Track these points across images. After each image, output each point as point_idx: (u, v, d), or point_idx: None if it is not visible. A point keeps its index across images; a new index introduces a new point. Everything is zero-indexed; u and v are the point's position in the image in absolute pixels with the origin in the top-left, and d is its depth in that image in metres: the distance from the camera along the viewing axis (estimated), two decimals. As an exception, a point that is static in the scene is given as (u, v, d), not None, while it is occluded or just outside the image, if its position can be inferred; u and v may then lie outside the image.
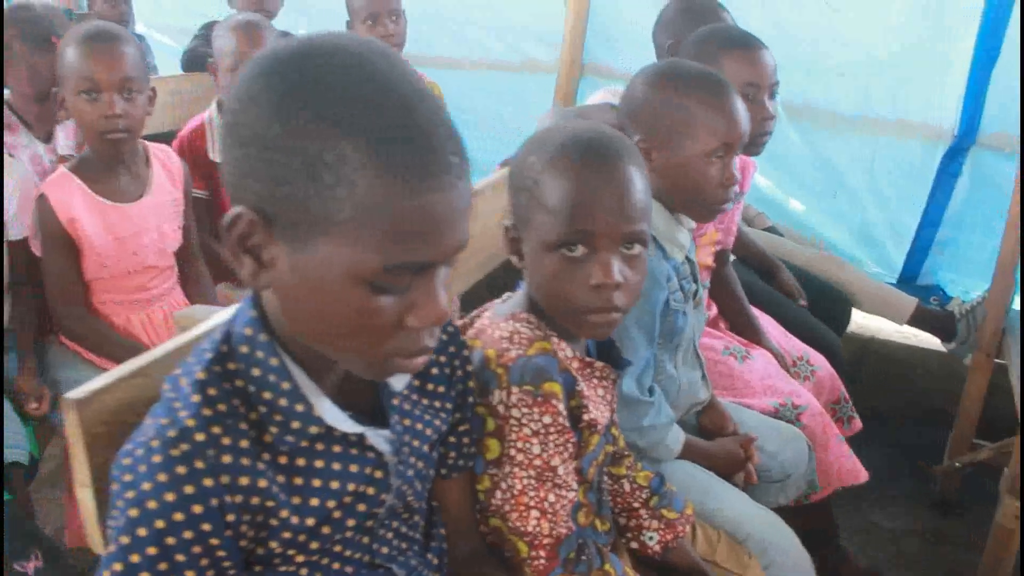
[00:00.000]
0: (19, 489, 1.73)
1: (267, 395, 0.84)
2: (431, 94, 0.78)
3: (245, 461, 0.81)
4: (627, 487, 1.38)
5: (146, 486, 0.78)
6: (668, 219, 1.59)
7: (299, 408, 0.84)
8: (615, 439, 1.34)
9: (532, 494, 1.13)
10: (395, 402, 0.94)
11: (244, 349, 0.84)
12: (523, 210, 1.19)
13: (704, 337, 1.96)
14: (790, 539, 1.57)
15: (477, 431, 1.12)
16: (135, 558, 0.77)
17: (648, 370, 1.58)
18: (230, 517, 0.80)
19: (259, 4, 2.91)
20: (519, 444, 1.13)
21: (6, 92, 2.26)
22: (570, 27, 3.28)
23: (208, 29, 3.04)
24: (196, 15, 3.49)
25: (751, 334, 2.11)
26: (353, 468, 0.88)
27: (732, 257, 2.25)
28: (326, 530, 0.88)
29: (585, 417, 1.18)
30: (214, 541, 0.79)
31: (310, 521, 0.86)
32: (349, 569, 0.93)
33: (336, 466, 0.87)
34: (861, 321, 3.05)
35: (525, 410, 1.12)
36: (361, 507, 0.90)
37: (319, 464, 0.86)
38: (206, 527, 0.78)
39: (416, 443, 0.96)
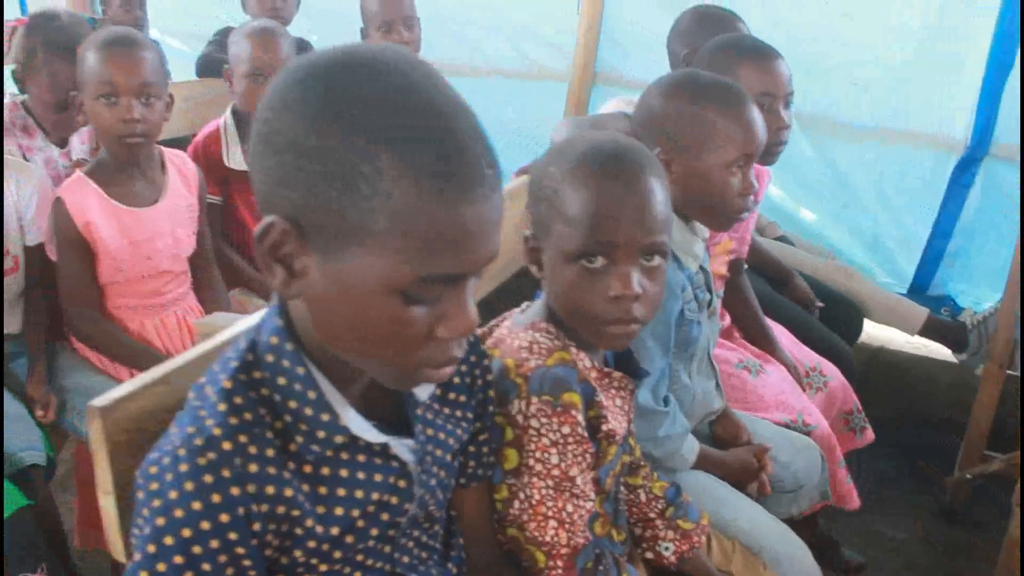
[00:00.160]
0: (40, 490, 1.72)
1: (293, 404, 0.84)
2: (467, 106, 0.79)
3: (271, 470, 0.81)
4: (643, 497, 1.38)
5: (173, 495, 0.78)
6: (683, 229, 1.60)
7: (325, 417, 0.84)
8: (632, 449, 1.35)
9: (550, 504, 1.13)
10: (419, 411, 0.95)
11: (270, 358, 0.85)
12: (543, 220, 1.19)
13: (718, 349, 1.96)
14: (803, 552, 1.57)
15: (496, 441, 1.12)
16: (161, 567, 0.78)
17: (663, 380, 1.58)
18: (256, 526, 0.80)
19: (274, 11, 2.92)
20: (538, 454, 1.13)
21: (25, 96, 2.27)
22: (583, 35, 3.29)
23: (223, 35, 3.06)
24: (210, 20, 3.50)
25: (764, 344, 2.11)
26: (377, 477, 0.89)
27: (745, 266, 2.26)
28: (349, 539, 0.88)
29: (603, 427, 1.18)
30: (240, 550, 0.79)
31: (334, 530, 0.86)
32: None
33: (360, 475, 0.88)
34: (871, 331, 3.04)
35: (544, 420, 1.12)
36: (384, 516, 0.90)
37: (344, 473, 0.87)
38: (233, 536, 0.79)
39: (439, 452, 0.96)
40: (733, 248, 2.06)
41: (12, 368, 1.98)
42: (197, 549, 0.77)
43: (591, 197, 1.14)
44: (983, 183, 2.97)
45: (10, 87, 2.33)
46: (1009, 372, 2.57)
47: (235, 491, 0.79)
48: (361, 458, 0.88)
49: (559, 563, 1.13)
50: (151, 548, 0.78)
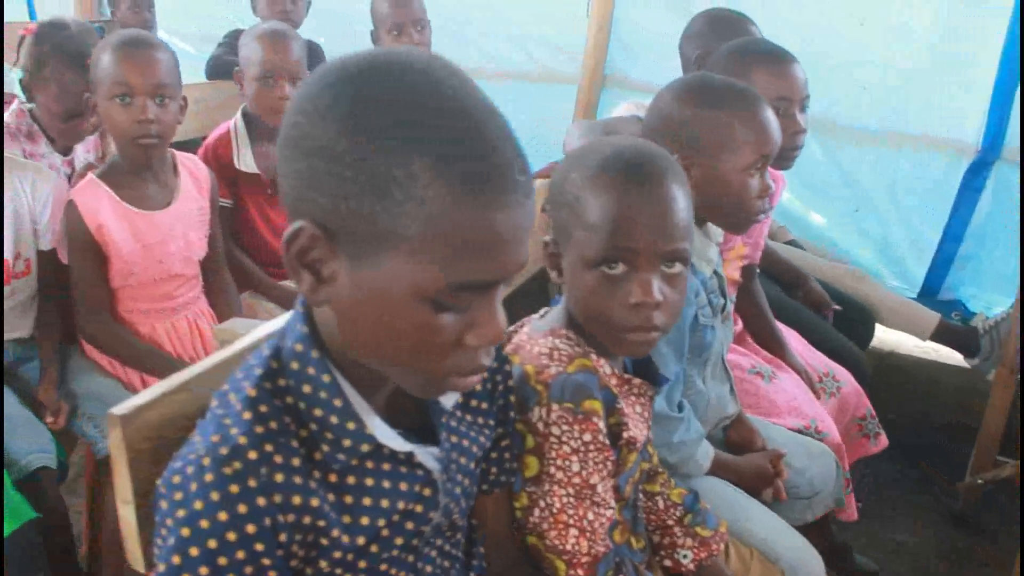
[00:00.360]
0: (50, 493, 1.72)
1: (318, 412, 0.83)
2: (499, 111, 0.78)
3: (297, 480, 0.80)
4: (661, 504, 1.37)
5: (198, 505, 0.77)
6: (697, 234, 1.59)
7: (350, 426, 0.84)
8: (650, 456, 1.34)
9: (571, 512, 1.12)
10: (444, 419, 0.94)
11: (295, 365, 0.84)
12: (563, 225, 1.18)
13: (730, 354, 1.95)
14: (818, 562, 1.57)
15: (516, 448, 1.11)
16: None
17: (677, 386, 1.57)
18: (282, 537, 0.79)
19: (284, 13, 2.92)
20: (558, 462, 1.12)
21: (32, 105, 2.26)
22: (592, 37, 3.29)
23: (233, 37, 3.05)
24: (219, 22, 3.50)
25: (776, 349, 2.10)
26: (403, 486, 0.88)
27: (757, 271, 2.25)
28: (374, 549, 0.87)
29: (624, 435, 1.18)
30: (266, 561, 0.78)
31: (360, 540, 0.85)
32: None
33: (386, 484, 0.87)
34: (880, 335, 3.03)
35: (565, 428, 1.12)
36: (409, 525, 0.89)
37: (369, 482, 0.86)
38: (259, 547, 0.77)
39: (463, 460, 0.95)
40: (746, 253, 2.05)
41: (21, 372, 1.97)
42: (223, 560, 0.76)
43: (612, 203, 1.13)
44: (994, 187, 2.95)
45: (16, 90, 2.32)
46: (1021, 376, 2.56)
47: (261, 501, 0.78)
48: (386, 467, 0.87)
49: (580, 572, 1.13)
50: (176, 559, 0.77)
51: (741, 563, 1.46)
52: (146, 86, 1.86)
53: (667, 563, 1.36)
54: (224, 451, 0.79)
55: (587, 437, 1.12)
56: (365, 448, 0.85)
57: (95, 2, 3.78)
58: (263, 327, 1.08)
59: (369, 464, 0.86)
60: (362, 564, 0.87)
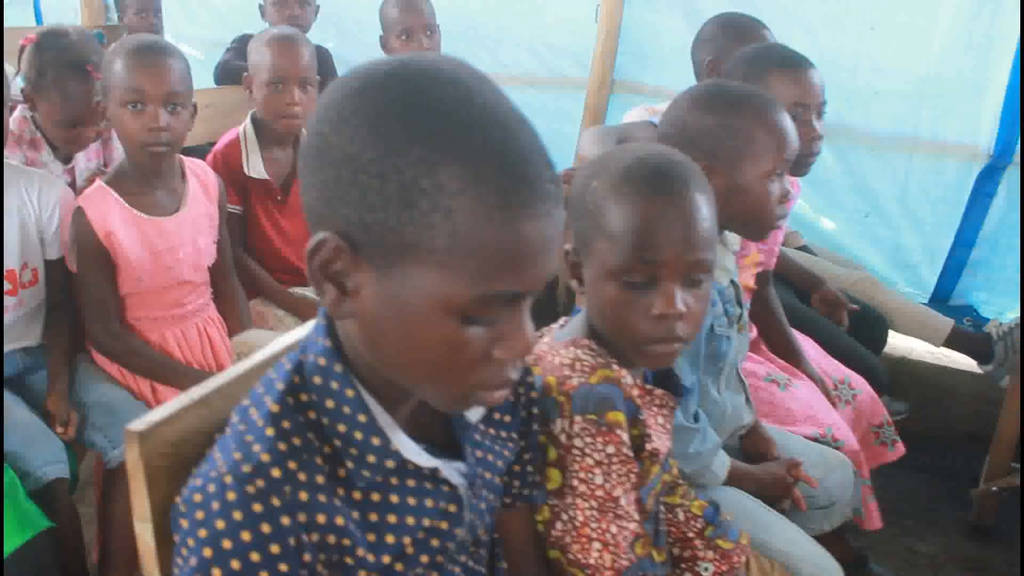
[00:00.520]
0: (64, 503, 1.70)
1: (342, 428, 0.81)
2: (528, 120, 0.76)
3: (322, 498, 0.78)
4: (681, 516, 1.35)
5: (220, 524, 0.75)
6: (715, 242, 1.57)
7: (375, 441, 0.82)
8: (670, 468, 1.32)
9: (594, 525, 1.11)
10: (476, 438, 0.92)
11: (318, 380, 0.82)
12: (584, 235, 1.16)
13: (746, 363, 1.94)
14: (837, 572, 1.55)
15: (538, 460, 1.10)
16: None
17: (693, 396, 1.55)
18: (307, 557, 0.77)
19: (292, 18, 2.91)
20: (581, 474, 1.10)
21: (35, 113, 2.24)
22: (601, 43, 3.28)
23: (241, 41, 3.04)
24: (226, 27, 3.49)
25: (791, 357, 2.08)
26: (428, 503, 0.86)
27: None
28: (399, 567, 0.85)
29: (647, 447, 1.16)
30: None
31: (385, 559, 0.83)
32: None
33: (411, 501, 0.85)
34: (891, 341, 3.00)
35: (588, 440, 1.10)
36: (434, 542, 0.87)
37: (394, 499, 0.84)
38: (283, 567, 0.75)
39: (488, 475, 0.94)
40: (761, 260, 2.03)
41: (31, 381, 1.95)
42: None
43: (635, 214, 1.11)
44: (1007, 192, 2.93)
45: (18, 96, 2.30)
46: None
47: (286, 520, 0.76)
48: (411, 483, 0.85)
49: (603, 586, 1.11)
50: None
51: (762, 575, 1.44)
52: (159, 94, 1.85)
53: (688, 576, 1.34)
54: (247, 469, 0.77)
55: (610, 449, 1.10)
56: (390, 464, 0.83)
57: (102, 7, 3.77)
58: (282, 339, 1.06)
59: (394, 480, 0.84)
60: None
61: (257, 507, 0.75)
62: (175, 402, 0.93)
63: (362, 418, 0.81)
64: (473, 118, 0.73)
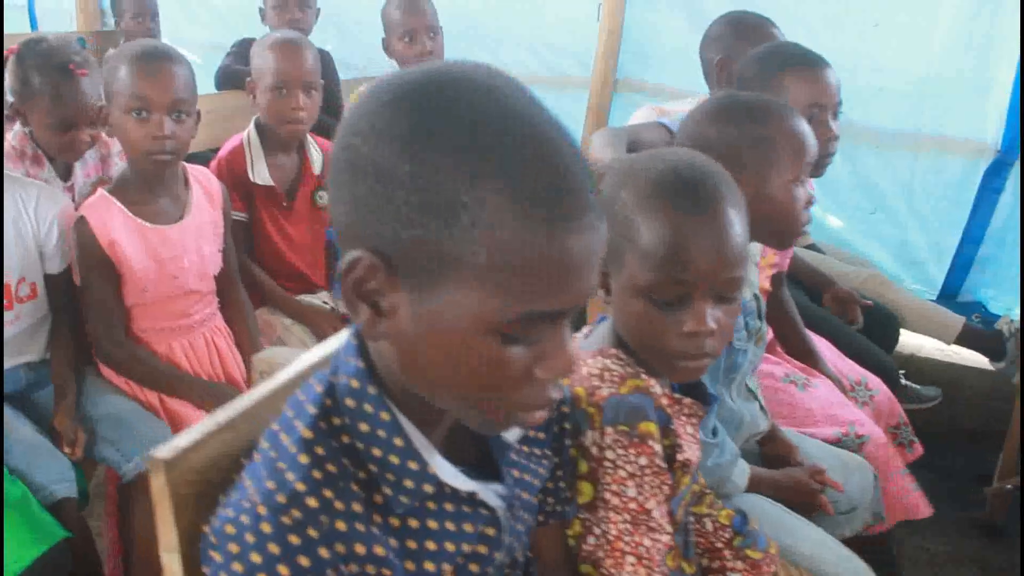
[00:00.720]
0: (73, 523, 1.67)
1: (377, 452, 0.78)
2: (565, 127, 0.74)
3: (360, 527, 0.75)
4: (709, 526, 1.33)
5: (256, 558, 0.71)
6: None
7: (412, 466, 0.78)
8: (698, 477, 1.29)
9: (627, 539, 1.08)
10: (512, 457, 0.89)
11: (350, 403, 0.78)
12: (613, 247, 1.12)
13: (763, 364, 1.91)
14: (867, 573, 1.52)
15: (570, 474, 1.07)
16: None
17: (711, 410, 1.53)
18: None
19: (294, 21, 2.88)
20: (614, 487, 1.07)
21: (30, 128, 2.20)
22: (603, 42, 3.26)
23: (241, 46, 3.01)
24: (225, 30, 3.46)
25: (808, 358, 2.06)
26: (467, 527, 0.83)
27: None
28: None
29: (679, 457, 1.13)
30: None
31: None
32: None
33: (450, 526, 0.82)
34: (900, 339, 2.99)
35: (620, 452, 1.07)
36: (473, 567, 0.84)
37: (432, 525, 0.81)
38: None
39: (525, 495, 0.91)
40: (776, 262, 2.01)
41: (36, 397, 1.91)
42: None
43: (667, 232, 1.07)
44: (1014, 188, 2.92)
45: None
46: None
47: (324, 553, 0.72)
48: (449, 507, 0.82)
49: (637, 601, 1.08)
50: None
51: (791, 584, 1.41)
52: (164, 101, 1.82)
53: (718, 587, 1.32)
54: (281, 499, 0.73)
55: (643, 461, 1.07)
56: (428, 489, 0.79)
57: (97, 12, 3.73)
58: (305, 357, 1.03)
59: (431, 505, 0.81)
60: None
61: (294, 539, 0.72)
62: (200, 427, 0.90)
63: (398, 442, 0.78)
64: (513, 128, 0.70)
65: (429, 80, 0.72)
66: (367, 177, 0.71)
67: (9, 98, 2.13)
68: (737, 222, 1.09)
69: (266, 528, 0.72)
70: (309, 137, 2.39)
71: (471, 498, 0.83)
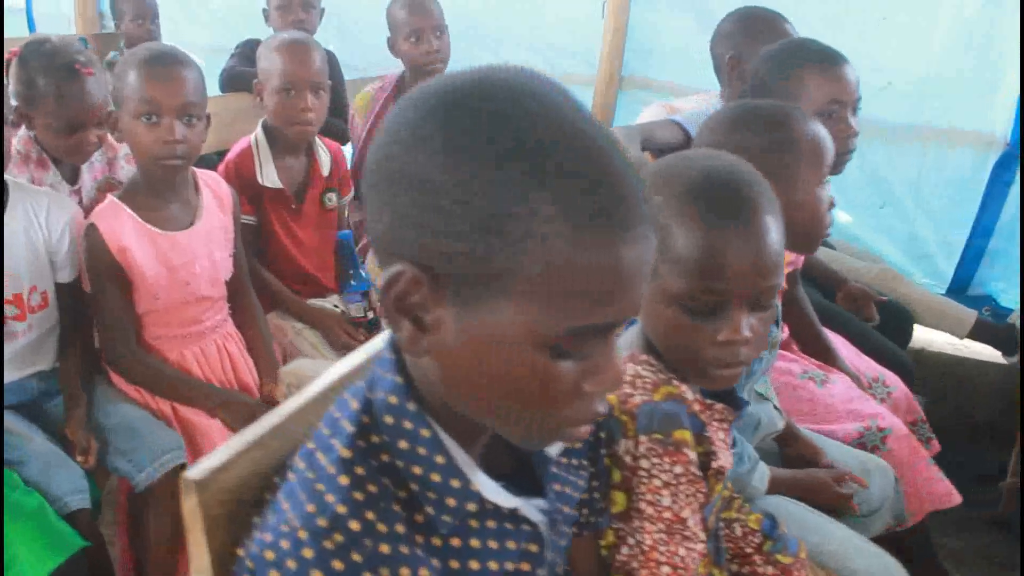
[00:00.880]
0: (87, 534, 1.65)
1: (417, 470, 0.75)
2: (613, 133, 0.72)
3: (404, 549, 0.73)
4: (739, 531, 1.31)
5: None
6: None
7: (455, 484, 0.76)
8: (727, 483, 1.28)
9: (663, 549, 1.06)
10: (552, 469, 0.87)
11: (389, 420, 0.76)
12: None
13: (779, 361, 1.90)
14: (897, 569, 1.51)
15: (604, 484, 1.05)
16: None
17: (742, 414, 1.52)
18: None
19: (298, 22, 2.85)
20: (648, 496, 1.06)
21: (35, 132, 2.17)
22: (608, 40, 3.24)
23: (245, 47, 2.99)
24: (226, 31, 3.44)
25: (824, 355, 2.05)
26: (510, 544, 0.80)
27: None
28: None
29: (714, 464, 1.11)
30: None
31: None
32: None
33: (493, 544, 0.79)
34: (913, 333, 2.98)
35: (655, 460, 1.05)
36: None
37: (475, 544, 0.78)
38: None
39: (566, 509, 0.89)
40: (791, 260, 1.99)
41: (48, 407, 1.89)
42: None
43: (702, 241, 1.05)
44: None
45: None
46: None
47: None
48: (491, 524, 0.80)
49: (672, 612, 1.06)
50: None
51: (821, 587, 1.40)
52: (174, 105, 1.79)
53: (748, 593, 1.30)
54: (322, 523, 0.71)
55: (678, 469, 1.05)
56: (471, 507, 0.77)
57: (96, 15, 3.70)
58: (333, 369, 1.00)
59: (473, 523, 0.79)
60: None
61: (338, 564, 0.69)
62: (229, 446, 0.87)
63: (439, 459, 0.76)
64: (562, 136, 0.68)
65: (474, 87, 0.70)
66: (409, 188, 0.69)
67: (13, 102, 2.10)
68: (774, 228, 1.07)
69: (308, 554, 0.70)
70: (317, 139, 2.37)
71: (513, 514, 0.81)
